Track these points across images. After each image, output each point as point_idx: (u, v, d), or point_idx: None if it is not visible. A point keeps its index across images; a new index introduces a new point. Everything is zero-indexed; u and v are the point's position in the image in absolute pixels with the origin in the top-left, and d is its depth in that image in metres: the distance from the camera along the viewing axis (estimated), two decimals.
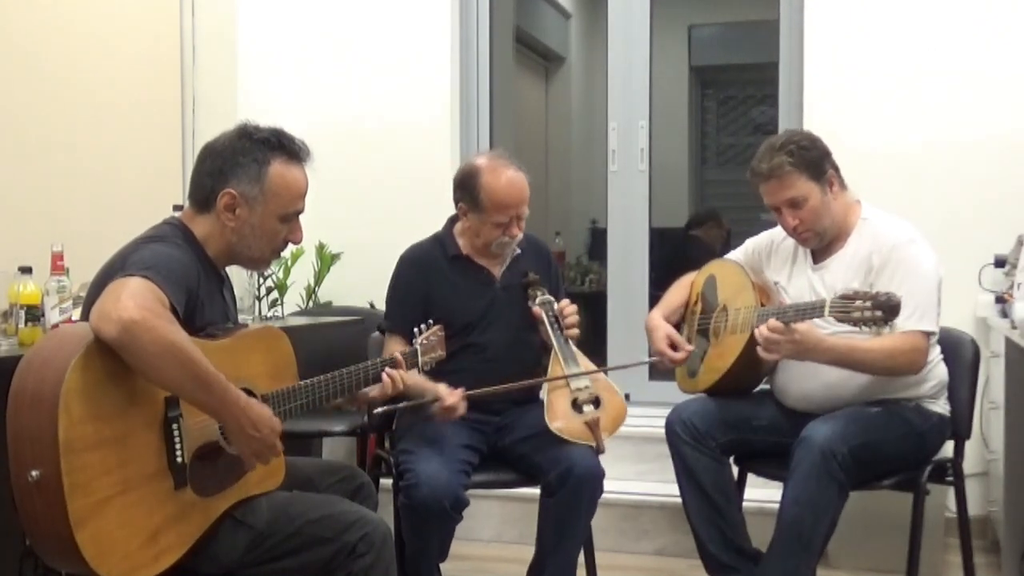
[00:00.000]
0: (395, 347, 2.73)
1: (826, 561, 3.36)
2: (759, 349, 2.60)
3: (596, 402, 2.73)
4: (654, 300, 3.16)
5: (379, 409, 2.59)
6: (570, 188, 7.29)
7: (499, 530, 3.83)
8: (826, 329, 2.65)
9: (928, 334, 2.64)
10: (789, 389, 2.82)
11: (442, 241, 2.97)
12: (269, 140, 2.15)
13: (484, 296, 2.92)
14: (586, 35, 7.55)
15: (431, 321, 2.64)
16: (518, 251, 2.97)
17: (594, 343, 4.22)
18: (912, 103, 3.90)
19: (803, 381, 2.76)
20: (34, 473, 1.70)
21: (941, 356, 2.79)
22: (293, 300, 4.30)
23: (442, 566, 2.74)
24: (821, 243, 2.80)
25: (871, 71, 3.95)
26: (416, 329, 2.60)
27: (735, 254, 3.07)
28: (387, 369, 2.39)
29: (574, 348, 2.83)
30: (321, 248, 4.34)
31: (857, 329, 2.53)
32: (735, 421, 2.82)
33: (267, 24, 4.57)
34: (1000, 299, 3.48)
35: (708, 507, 2.76)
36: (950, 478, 2.79)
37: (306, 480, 2.29)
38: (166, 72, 4.04)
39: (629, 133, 4.40)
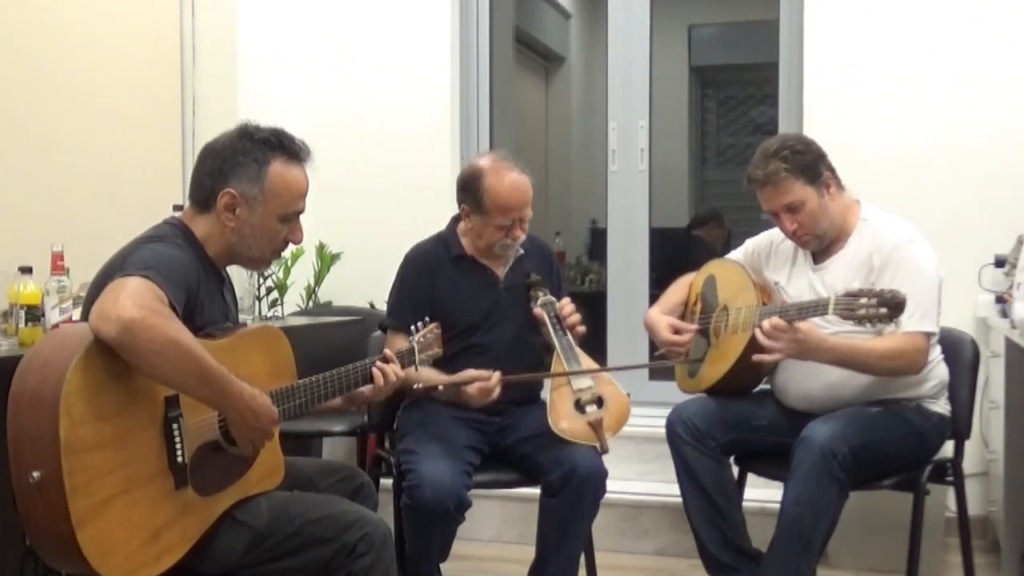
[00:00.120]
0: (398, 345, 2.73)
1: (826, 561, 3.36)
2: (762, 341, 2.59)
3: (599, 402, 2.73)
4: (654, 300, 3.16)
5: (418, 385, 2.64)
6: (570, 188, 7.29)
7: (499, 530, 3.83)
8: (827, 328, 2.65)
9: (929, 334, 2.64)
10: (789, 389, 2.82)
11: (446, 241, 2.97)
12: (269, 140, 2.15)
13: (488, 296, 2.91)
14: (586, 35, 7.55)
15: (427, 319, 2.63)
16: (521, 251, 2.97)
17: (594, 343, 4.22)
18: (912, 103, 3.90)
19: (803, 381, 2.76)
20: (35, 474, 1.70)
21: (941, 356, 2.79)
22: (293, 300, 4.30)
23: (442, 566, 2.74)
24: (821, 245, 2.80)
25: (871, 71, 3.95)
26: (413, 327, 2.59)
27: (735, 254, 3.07)
28: (377, 363, 2.37)
29: (576, 348, 2.83)
30: (321, 248, 4.34)
31: (860, 327, 2.53)
32: (735, 421, 2.82)
33: (267, 24, 4.57)
34: (1000, 299, 3.48)
35: (708, 507, 2.76)
36: (950, 478, 2.80)
37: (306, 480, 2.29)
38: (166, 72, 4.04)
39: (629, 133, 4.40)
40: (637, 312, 4.10)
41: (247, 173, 2.11)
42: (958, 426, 2.79)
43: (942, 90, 3.87)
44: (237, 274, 2.51)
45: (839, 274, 2.74)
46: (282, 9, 4.60)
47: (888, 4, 3.94)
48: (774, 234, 2.96)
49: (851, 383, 2.69)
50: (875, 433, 2.61)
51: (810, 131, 3.62)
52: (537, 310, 2.86)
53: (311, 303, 4.37)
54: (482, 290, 2.91)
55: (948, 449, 2.83)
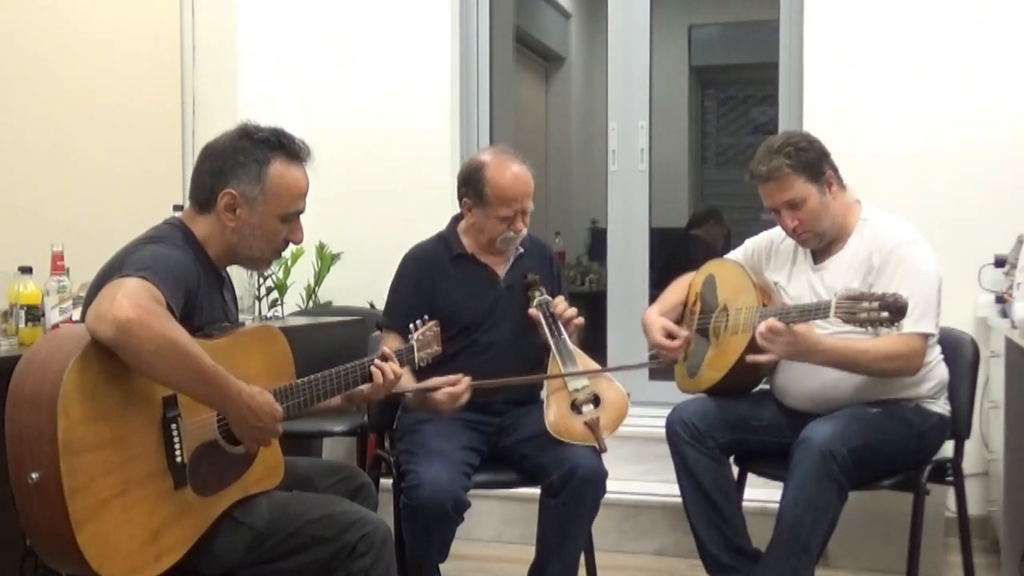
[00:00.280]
0: (392, 344, 2.73)
1: (826, 561, 3.36)
2: (760, 342, 2.59)
3: (595, 401, 2.73)
4: (654, 300, 3.16)
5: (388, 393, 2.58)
6: (570, 188, 7.29)
7: (499, 530, 3.83)
8: (827, 329, 2.65)
9: (926, 336, 2.64)
10: (789, 389, 2.82)
11: (446, 240, 2.97)
12: (269, 140, 2.15)
13: (488, 295, 2.92)
14: (586, 35, 7.55)
15: (426, 317, 2.63)
16: (521, 251, 2.97)
17: (594, 343, 4.23)
18: (912, 103, 3.90)
19: (803, 381, 2.76)
20: (34, 475, 1.70)
21: (941, 356, 2.79)
22: (293, 300, 4.30)
23: (442, 566, 2.73)
24: (821, 244, 2.80)
25: (871, 71, 3.94)
26: (412, 325, 2.58)
27: (734, 254, 3.07)
28: (376, 362, 2.36)
29: (572, 347, 2.83)
30: (321, 248, 4.34)
31: (861, 330, 2.53)
32: (735, 421, 2.82)
33: (267, 24, 4.57)
34: (1000, 299, 3.47)
35: (708, 507, 2.76)
36: (950, 478, 2.79)
37: (306, 480, 2.29)
38: (166, 72, 4.05)
39: (629, 133, 4.39)
40: (637, 312, 4.08)
41: (247, 173, 2.11)
42: (958, 426, 2.79)
43: (942, 90, 3.87)
44: (237, 274, 2.51)
45: (839, 274, 2.74)
46: (282, 9, 4.60)
47: (888, 4, 3.94)
48: (774, 234, 2.96)
49: (851, 383, 2.68)
50: (875, 434, 2.60)
51: (810, 131, 3.60)
52: (533, 310, 2.85)
53: (311, 303, 4.37)
54: (482, 289, 2.91)
55: (948, 449, 2.83)
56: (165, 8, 4.05)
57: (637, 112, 4.39)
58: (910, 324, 2.56)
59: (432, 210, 3.35)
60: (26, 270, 2.79)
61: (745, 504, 2.89)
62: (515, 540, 3.71)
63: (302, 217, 2.22)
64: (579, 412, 2.70)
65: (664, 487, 3.40)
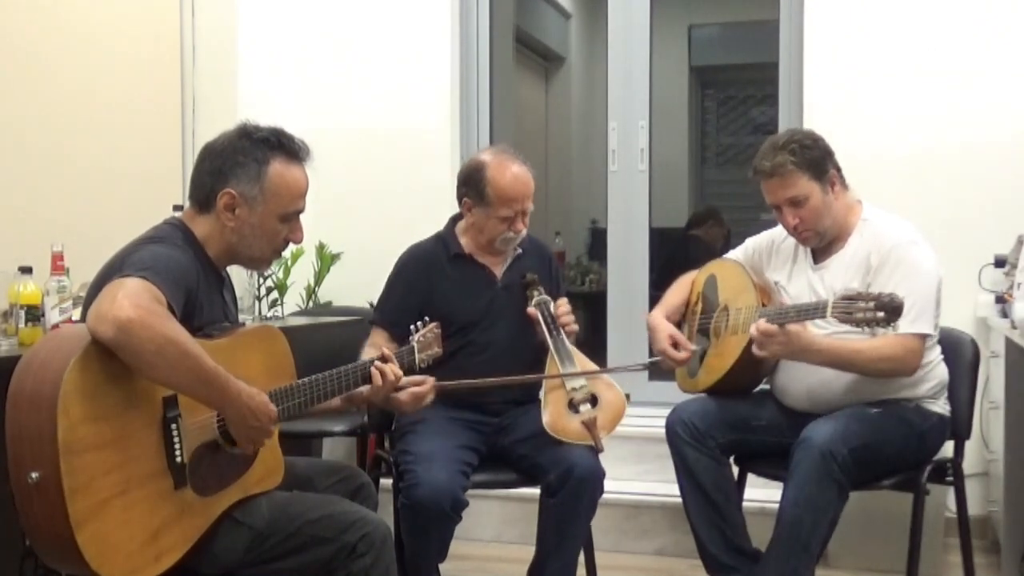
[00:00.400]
0: (378, 340, 2.73)
1: (826, 561, 3.36)
2: (754, 347, 2.60)
3: (593, 400, 2.73)
4: (654, 300, 3.16)
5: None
6: (570, 188, 7.29)
7: (499, 530, 3.83)
8: (825, 329, 2.65)
9: (923, 336, 2.64)
10: (789, 389, 2.82)
11: (444, 240, 2.97)
12: (269, 140, 2.15)
13: (485, 295, 2.92)
14: (586, 35, 7.55)
15: (427, 318, 2.63)
16: (519, 251, 2.97)
17: (594, 343, 4.23)
18: (912, 103, 3.90)
19: (803, 381, 2.76)
20: (34, 475, 1.70)
21: (941, 356, 2.79)
22: (293, 300, 4.30)
23: (442, 566, 2.74)
24: (821, 242, 2.80)
25: (871, 71, 3.94)
26: (412, 327, 2.58)
27: (735, 253, 3.07)
28: (376, 363, 2.36)
29: (570, 347, 2.83)
30: (321, 248, 4.34)
31: (858, 330, 2.53)
32: (735, 421, 2.82)
33: (267, 24, 4.57)
34: (1000, 299, 3.47)
35: (708, 507, 2.76)
36: (950, 478, 2.79)
37: (306, 480, 2.29)
38: (166, 72, 4.04)
39: (629, 133, 4.39)
40: (637, 312, 4.11)
41: (247, 173, 2.11)
42: (958, 426, 2.79)
43: (942, 90, 3.87)
44: (237, 274, 2.51)
45: (839, 273, 2.74)
46: (282, 9, 4.60)
47: (888, 4, 3.94)
48: (775, 233, 2.96)
49: (850, 383, 2.68)
50: (875, 434, 2.60)
51: (813, 130, 3.62)
52: (531, 309, 2.86)
53: (311, 303, 4.37)
54: (480, 289, 2.91)
55: (948, 449, 2.83)
56: (165, 8, 4.04)
57: (637, 112, 4.39)
58: (906, 324, 2.56)
59: (432, 210, 3.34)
60: (26, 270, 2.79)
61: (745, 504, 2.89)
62: (515, 540, 3.71)
63: (302, 217, 2.22)
64: (576, 411, 2.71)
65: (664, 487, 3.40)
